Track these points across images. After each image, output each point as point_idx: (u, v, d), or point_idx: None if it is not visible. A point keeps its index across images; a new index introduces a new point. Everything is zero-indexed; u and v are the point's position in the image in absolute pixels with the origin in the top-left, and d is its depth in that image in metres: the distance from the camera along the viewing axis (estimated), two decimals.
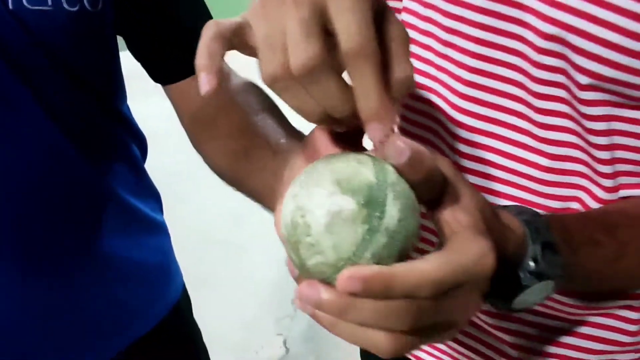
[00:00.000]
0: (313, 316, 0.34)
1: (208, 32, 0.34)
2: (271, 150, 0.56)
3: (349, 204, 0.31)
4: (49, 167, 0.61)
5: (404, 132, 0.58)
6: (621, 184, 0.52)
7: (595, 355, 0.60)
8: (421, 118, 0.57)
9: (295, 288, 0.33)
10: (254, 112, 0.60)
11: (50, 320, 0.66)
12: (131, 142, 0.72)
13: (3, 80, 0.56)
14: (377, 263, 0.31)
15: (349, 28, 0.31)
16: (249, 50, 0.35)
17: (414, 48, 0.55)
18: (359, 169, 0.32)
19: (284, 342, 2.05)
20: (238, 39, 0.35)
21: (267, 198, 0.53)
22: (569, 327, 0.59)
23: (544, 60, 0.47)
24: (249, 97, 0.62)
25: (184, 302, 0.83)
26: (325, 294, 0.31)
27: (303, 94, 0.33)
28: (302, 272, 0.34)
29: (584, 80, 0.46)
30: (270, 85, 0.34)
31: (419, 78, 0.55)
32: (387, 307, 0.31)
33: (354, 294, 0.30)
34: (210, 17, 0.66)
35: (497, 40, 0.49)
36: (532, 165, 0.52)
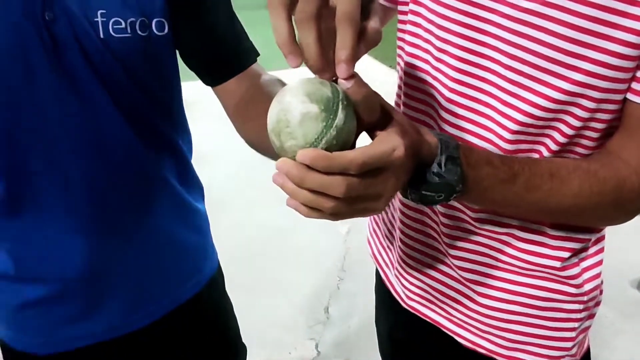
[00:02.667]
0: (282, 186, 0.47)
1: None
2: None
3: (314, 109, 0.46)
4: (121, 157, 0.75)
5: (406, 106, 0.72)
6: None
7: (543, 302, 0.70)
8: (421, 105, 0.70)
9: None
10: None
11: (112, 276, 0.80)
12: (180, 140, 0.85)
13: (92, 89, 0.69)
14: (327, 149, 0.46)
15: (343, 3, 0.45)
16: None
17: (416, 41, 0.68)
18: (321, 88, 0.47)
19: (316, 346, 2.20)
20: None
21: None
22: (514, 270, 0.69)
23: (512, 63, 0.60)
24: (275, 88, 0.75)
25: (219, 277, 0.96)
26: (290, 164, 0.45)
27: (286, 17, 0.46)
28: (280, 152, 0.48)
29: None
30: None
31: (421, 64, 0.68)
32: (328, 179, 0.45)
33: (307, 167, 0.44)
34: (236, 19, 0.79)
35: (476, 49, 0.61)
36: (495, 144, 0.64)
